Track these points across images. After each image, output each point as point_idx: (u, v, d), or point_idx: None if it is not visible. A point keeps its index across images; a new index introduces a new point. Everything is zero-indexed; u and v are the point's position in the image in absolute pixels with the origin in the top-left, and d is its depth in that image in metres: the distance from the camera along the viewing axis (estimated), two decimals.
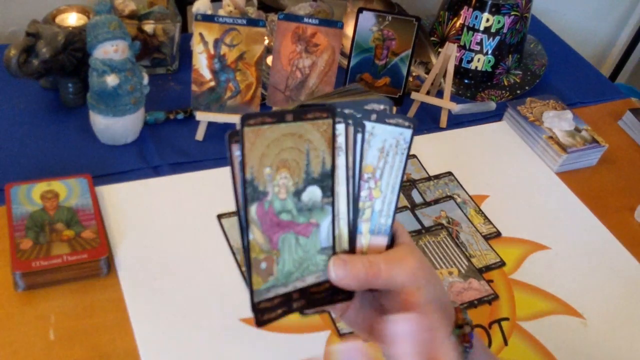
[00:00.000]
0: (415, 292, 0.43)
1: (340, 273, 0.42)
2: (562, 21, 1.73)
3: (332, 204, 0.43)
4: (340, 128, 0.42)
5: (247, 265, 0.41)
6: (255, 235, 0.40)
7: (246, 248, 0.40)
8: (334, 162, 0.42)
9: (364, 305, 0.47)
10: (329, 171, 0.42)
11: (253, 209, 0.40)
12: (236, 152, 0.39)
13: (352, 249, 0.45)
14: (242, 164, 0.39)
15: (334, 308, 0.47)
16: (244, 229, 0.40)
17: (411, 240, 0.46)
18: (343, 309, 0.47)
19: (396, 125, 0.43)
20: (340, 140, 0.43)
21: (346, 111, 0.42)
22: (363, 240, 0.45)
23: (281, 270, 0.42)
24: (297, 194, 0.41)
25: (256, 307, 0.42)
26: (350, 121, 0.43)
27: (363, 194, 0.44)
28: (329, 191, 0.42)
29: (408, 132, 0.44)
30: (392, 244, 0.46)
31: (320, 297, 0.44)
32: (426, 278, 0.44)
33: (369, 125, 0.43)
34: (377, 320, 0.46)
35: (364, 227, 0.44)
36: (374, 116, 0.43)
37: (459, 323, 0.47)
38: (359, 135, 0.43)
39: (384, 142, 0.43)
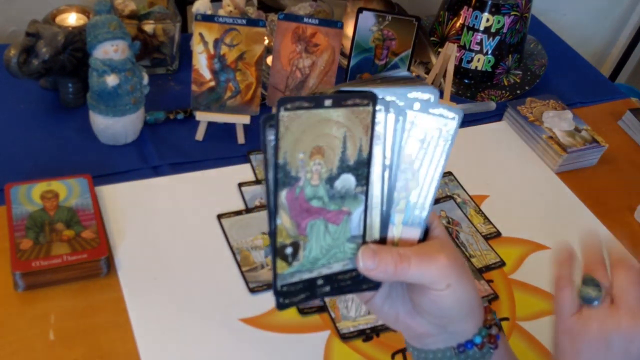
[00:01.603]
0: (445, 289, 0.42)
1: (368, 263, 0.42)
2: (562, 21, 1.73)
3: (366, 193, 0.42)
4: (380, 116, 0.41)
5: (272, 249, 0.40)
6: (283, 220, 0.40)
7: (272, 232, 0.40)
8: (370, 150, 0.41)
9: (392, 295, 0.46)
10: (365, 159, 0.41)
11: (283, 194, 0.39)
12: (270, 136, 0.38)
13: (382, 240, 0.44)
14: (276, 148, 0.38)
15: (360, 295, 0.46)
16: (272, 213, 0.39)
17: (446, 234, 0.45)
18: (369, 296, 0.46)
19: (440, 115, 0.42)
20: (379, 128, 0.41)
21: (388, 98, 0.41)
22: (395, 231, 0.44)
23: (307, 256, 0.41)
24: (330, 180, 0.40)
25: (278, 291, 0.41)
26: (391, 109, 0.41)
27: (399, 184, 0.43)
28: (364, 180, 0.41)
29: (452, 124, 0.42)
30: (425, 236, 0.45)
31: (346, 284, 0.43)
32: (457, 276, 0.42)
33: (410, 114, 0.41)
34: (404, 310, 0.46)
35: (397, 217, 0.43)
36: (417, 105, 0.41)
37: (487, 324, 0.46)
38: (399, 125, 0.42)
39: (426, 132, 0.42)
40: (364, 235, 0.43)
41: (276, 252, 0.40)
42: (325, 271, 0.42)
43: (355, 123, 0.40)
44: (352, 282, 0.43)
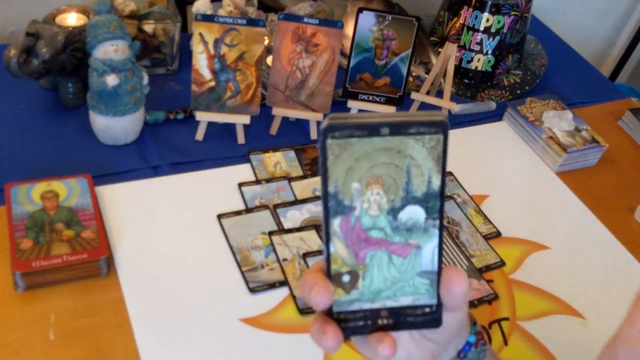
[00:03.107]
0: (465, 303, 0.42)
1: (466, 285, 0.39)
2: (562, 21, 1.73)
3: (440, 227, 0.38)
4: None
5: (327, 276, 0.38)
6: (337, 248, 0.38)
7: (327, 259, 0.38)
8: (443, 181, 0.37)
9: (399, 337, 0.44)
10: (436, 192, 0.37)
11: (336, 222, 0.37)
12: (320, 159, 0.35)
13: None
14: (325, 176, 0.36)
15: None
16: (326, 240, 0.38)
17: None
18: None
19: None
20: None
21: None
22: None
23: (368, 286, 0.39)
24: (393, 212, 0.37)
25: (334, 318, 0.39)
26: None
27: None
28: (436, 213, 0.38)
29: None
30: None
31: (412, 320, 0.40)
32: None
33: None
34: (414, 344, 0.44)
35: None
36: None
37: (472, 321, 0.47)
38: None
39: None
40: (439, 272, 0.39)
41: (331, 278, 0.38)
42: (391, 304, 0.39)
43: (422, 153, 0.36)
44: (420, 318, 0.40)
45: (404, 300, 0.40)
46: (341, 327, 0.39)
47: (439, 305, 0.40)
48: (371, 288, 0.39)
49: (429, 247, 0.39)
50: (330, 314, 0.39)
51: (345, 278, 0.39)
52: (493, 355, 0.50)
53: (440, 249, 0.39)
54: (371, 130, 0.35)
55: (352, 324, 0.39)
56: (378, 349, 0.39)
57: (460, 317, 0.43)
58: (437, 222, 0.38)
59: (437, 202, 0.37)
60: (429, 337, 0.43)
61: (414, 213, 0.38)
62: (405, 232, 0.38)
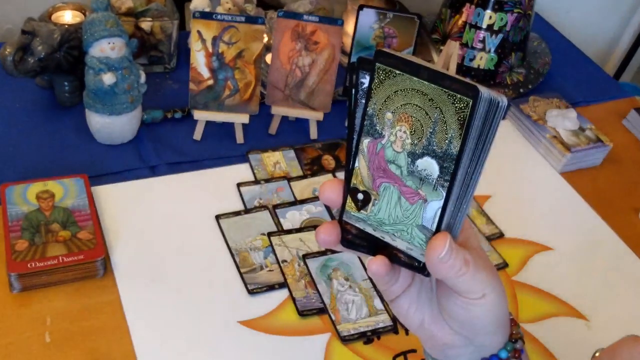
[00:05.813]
0: (479, 299, 0.41)
1: (441, 251, 0.38)
2: (566, 19, 1.72)
3: (449, 190, 0.38)
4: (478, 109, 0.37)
5: (345, 186, 0.42)
6: (361, 166, 0.41)
7: (349, 172, 0.41)
8: (463, 148, 0.37)
9: (420, 298, 0.45)
10: (453, 155, 0.38)
11: (366, 142, 0.40)
12: (363, 79, 0.39)
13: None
14: (368, 94, 0.39)
15: (387, 292, 0.45)
16: (352, 154, 0.41)
17: (479, 242, 0.43)
18: (396, 295, 0.44)
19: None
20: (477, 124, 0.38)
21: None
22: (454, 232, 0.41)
23: (375, 213, 0.41)
24: (413, 156, 0.39)
25: (342, 225, 0.43)
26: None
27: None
28: (448, 176, 0.38)
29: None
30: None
31: (402, 261, 0.42)
32: (492, 287, 0.41)
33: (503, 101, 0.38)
34: (430, 316, 0.44)
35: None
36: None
37: (513, 338, 0.45)
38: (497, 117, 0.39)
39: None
40: (434, 234, 0.40)
41: (349, 189, 0.42)
42: (388, 239, 0.42)
43: (450, 111, 0.37)
44: (411, 267, 0.42)
45: (400, 244, 0.41)
46: (344, 235, 0.43)
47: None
48: (377, 216, 0.41)
49: (433, 206, 0.39)
50: (339, 220, 0.43)
51: (360, 195, 0.42)
52: None
53: (443, 215, 0.39)
54: (413, 68, 0.37)
55: (353, 239, 0.43)
56: (368, 262, 0.42)
57: (485, 312, 0.41)
58: (447, 184, 0.39)
59: (451, 165, 0.38)
60: (449, 316, 0.43)
61: (430, 165, 0.39)
62: (418, 180, 0.39)
